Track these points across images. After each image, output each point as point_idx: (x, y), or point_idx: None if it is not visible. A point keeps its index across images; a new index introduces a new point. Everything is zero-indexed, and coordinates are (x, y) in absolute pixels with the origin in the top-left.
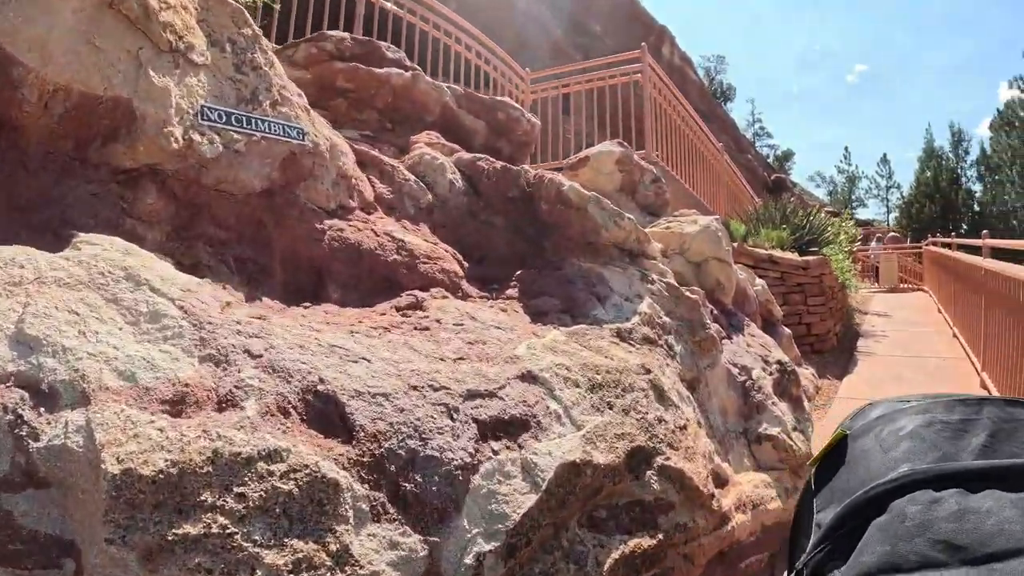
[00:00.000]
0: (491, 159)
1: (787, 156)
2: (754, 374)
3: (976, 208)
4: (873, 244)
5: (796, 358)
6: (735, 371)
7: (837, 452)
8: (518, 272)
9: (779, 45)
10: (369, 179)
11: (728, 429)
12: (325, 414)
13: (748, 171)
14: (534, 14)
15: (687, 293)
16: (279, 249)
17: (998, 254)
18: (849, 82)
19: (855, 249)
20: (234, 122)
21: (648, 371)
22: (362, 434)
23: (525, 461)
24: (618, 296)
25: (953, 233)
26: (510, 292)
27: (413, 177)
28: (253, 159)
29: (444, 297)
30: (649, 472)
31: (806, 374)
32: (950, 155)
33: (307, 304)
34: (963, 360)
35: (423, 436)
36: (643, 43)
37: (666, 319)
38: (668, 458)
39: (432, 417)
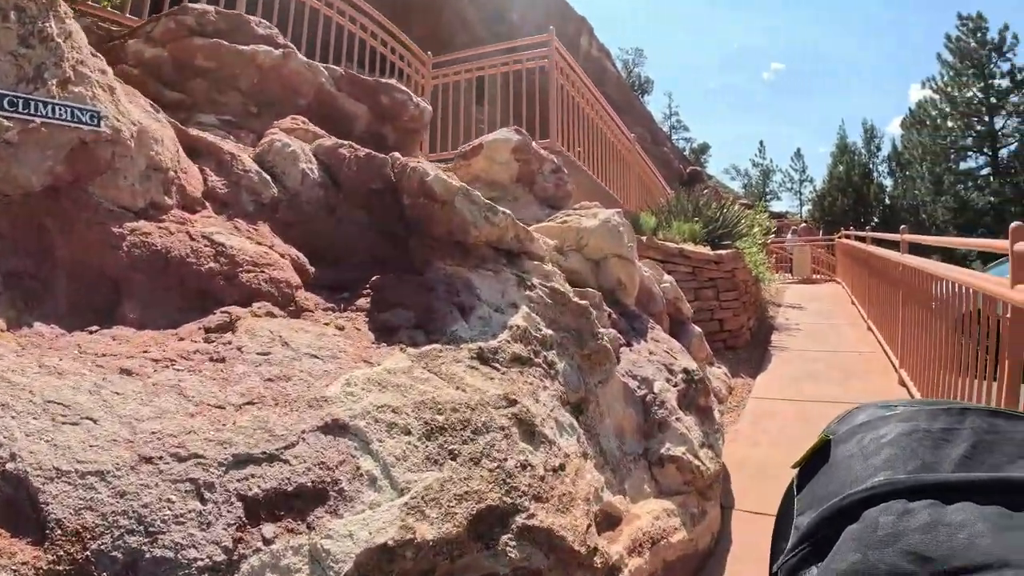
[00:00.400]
0: (355, 146)
1: (703, 149)
2: (656, 386)
3: (887, 202)
4: (789, 236)
5: (708, 357)
6: (634, 384)
7: (820, 455)
8: (374, 278)
9: (699, 42)
10: (202, 171)
11: (625, 452)
12: (13, 504)
13: (664, 163)
14: (450, 0)
15: (575, 299)
16: (65, 260)
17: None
18: (766, 79)
19: (769, 241)
20: (6, 106)
21: (513, 402)
22: (59, 532)
23: (314, 549)
24: (487, 307)
25: (868, 227)
26: (360, 303)
27: (256, 168)
28: (30, 151)
29: (267, 314)
30: (506, 537)
31: (718, 374)
32: (862, 151)
33: (95, 328)
34: (880, 355)
35: (152, 529)
36: (551, 27)
37: (546, 331)
38: (532, 515)
39: (170, 500)
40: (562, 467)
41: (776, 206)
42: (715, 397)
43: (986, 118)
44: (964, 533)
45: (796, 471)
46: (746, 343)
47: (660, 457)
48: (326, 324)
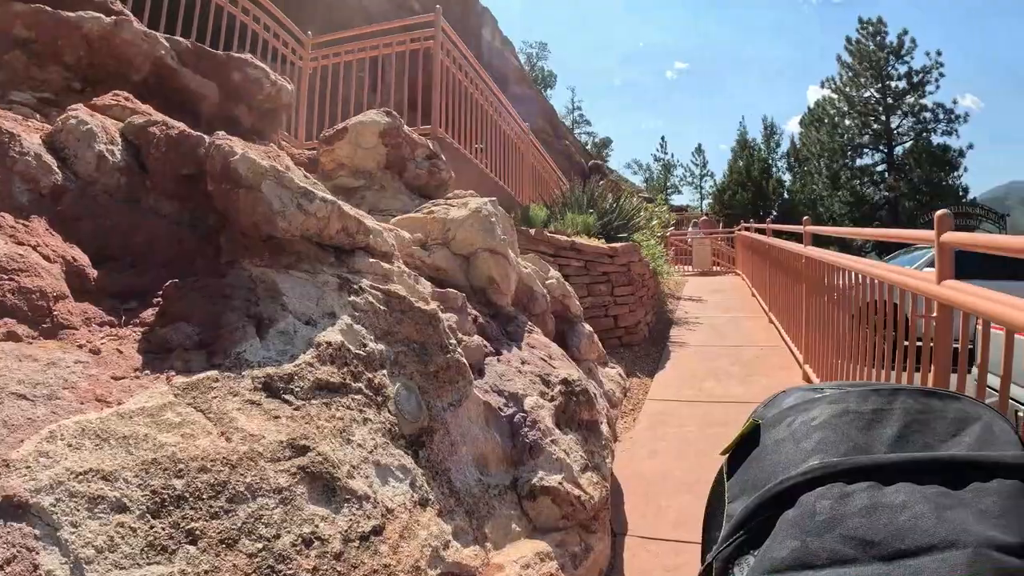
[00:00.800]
0: (169, 123)
1: (606, 144)
2: (527, 403)
3: (786, 196)
4: (691, 229)
5: (600, 357)
6: (499, 402)
7: (749, 441)
8: (167, 284)
9: (606, 39)
10: None
11: (488, 486)
12: None
13: (565, 157)
14: None
15: (419, 304)
16: None
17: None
18: (669, 78)
19: (669, 234)
20: None
21: (303, 449)
22: None
23: None
24: (292, 318)
25: (769, 219)
26: (146, 315)
27: (38, 151)
28: None
29: (7, 336)
30: None
31: (612, 375)
32: (762, 146)
33: None
34: (783, 349)
35: None
36: (438, 6)
37: (375, 347)
38: None
39: None
40: (378, 530)
41: (677, 200)
42: (608, 401)
43: (883, 117)
44: (905, 515)
45: (725, 457)
46: (643, 339)
47: (532, 488)
48: (80, 347)
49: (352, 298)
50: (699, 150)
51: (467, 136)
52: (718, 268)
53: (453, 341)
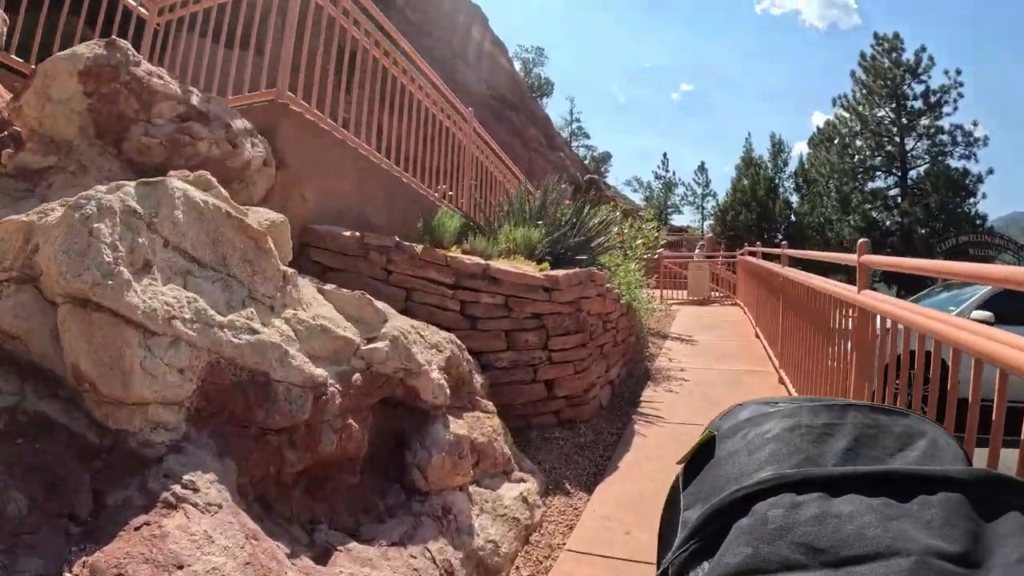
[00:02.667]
0: None
1: (605, 158)
2: None
3: (793, 218)
4: (697, 251)
5: (490, 468)
6: None
7: (705, 452)
8: None
9: (614, 55)
10: None
11: None
12: None
13: (559, 169)
14: None
15: None
16: None
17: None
18: (674, 99)
19: (659, 255)
20: None
21: None
22: None
23: None
24: None
25: (783, 244)
26: None
27: None
28: None
29: None
30: None
31: (510, 498)
32: (769, 164)
33: None
34: None
35: None
36: None
37: None
38: None
39: None
40: None
41: (677, 220)
42: (484, 568)
43: (897, 138)
44: (853, 524)
45: (681, 467)
46: (597, 411)
47: None
48: None
49: None
50: (702, 168)
51: (358, 111)
52: (717, 292)
53: None
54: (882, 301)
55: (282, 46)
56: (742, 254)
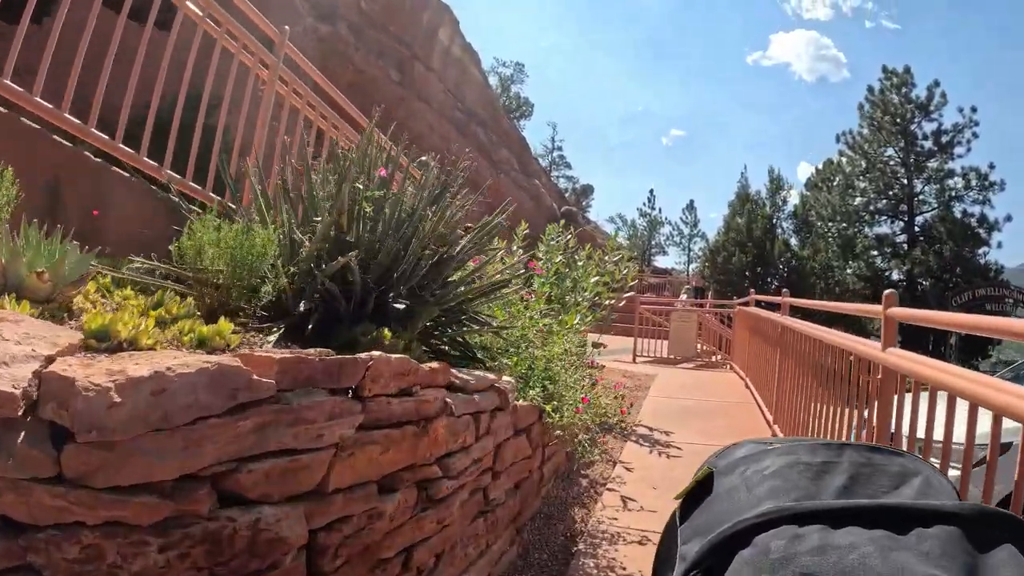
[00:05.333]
0: None
1: (587, 192)
2: None
3: (794, 263)
4: (683, 298)
5: None
6: None
7: (703, 488)
8: None
9: (604, 98)
10: None
11: None
12: None
13: (534, 198)
14: None
15: None
16: None
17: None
18: (664, 144)
19: (622, 301)
20: None
21: None
22: None
23: None
24: None
25: (788, 291)
26: None
27: None
28: None
29: None
30: None
31: None
32: (766, 201)
33: None
34: None
35: None
36: None
37: None
38: None
39: None
40: None
41: (661, 261)
42: None
43: (904, 180)
44: (854, 555)
45: (679, 502)
46: None
47: None
48: None
49: None
50: (690, 207)
51: None
52: (705, 348)
53: None
54: (922, 363)
55: None
56: (741, 306)
